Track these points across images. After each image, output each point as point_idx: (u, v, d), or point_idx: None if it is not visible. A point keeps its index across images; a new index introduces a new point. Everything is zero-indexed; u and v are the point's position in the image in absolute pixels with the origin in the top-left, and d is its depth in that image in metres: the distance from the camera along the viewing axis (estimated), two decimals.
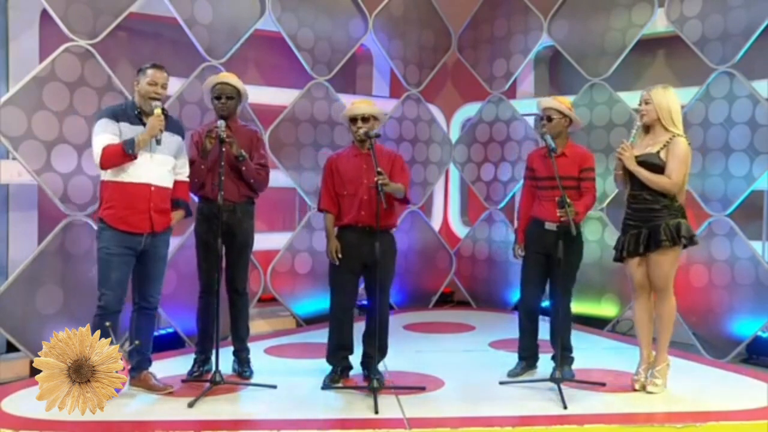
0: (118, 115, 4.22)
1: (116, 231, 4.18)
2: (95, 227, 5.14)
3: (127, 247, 4.21)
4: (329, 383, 4.55)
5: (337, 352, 4.66)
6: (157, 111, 4.17)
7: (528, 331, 4.85)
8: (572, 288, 4.77)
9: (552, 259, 4.60)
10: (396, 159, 4.67)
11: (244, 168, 4.58)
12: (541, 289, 4.86)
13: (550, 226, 4.61)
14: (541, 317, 4.90)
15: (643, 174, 4.31)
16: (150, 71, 4.24)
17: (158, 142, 4.20)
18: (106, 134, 4.14)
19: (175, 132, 4.39)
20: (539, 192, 4.75)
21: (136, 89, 4.27)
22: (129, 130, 4.17)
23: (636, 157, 4.35)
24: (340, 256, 4.53)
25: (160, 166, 4.28)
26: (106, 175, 4.21)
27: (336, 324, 4.66)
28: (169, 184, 4.36)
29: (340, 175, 4.60)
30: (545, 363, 4.82)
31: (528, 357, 4.87)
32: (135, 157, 4.13)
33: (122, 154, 4.09)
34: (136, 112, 4.25)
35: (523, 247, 4.83)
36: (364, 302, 5.10)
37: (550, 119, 4.66)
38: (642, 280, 4.45)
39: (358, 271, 4.61)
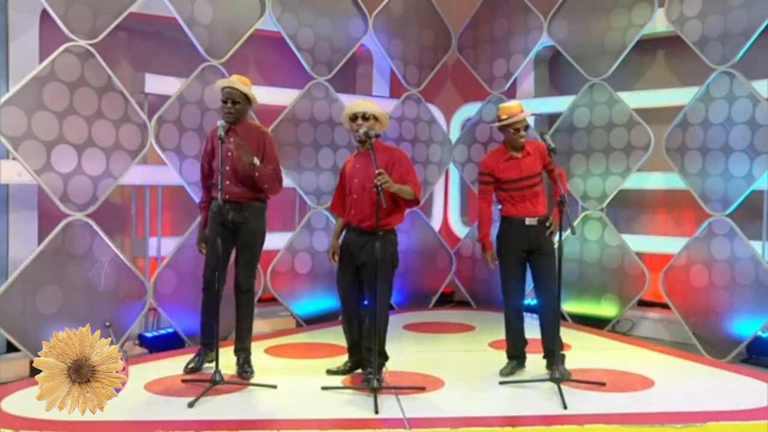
0: None
1: None
2: (95, 228, 5.19)
3: None
4: (333, 370, 4.77)
5: (350, 349, 4.84)
6: None
7: (517, 329, 4.85)
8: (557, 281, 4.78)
9: (534, 254, 4.72)
10: (394, 153, 4.64)
11: (257, 173, 4.57)
12: (524, 287, 4.90)
13: (530, 221, 4.70)
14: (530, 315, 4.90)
15: None
16: None
17: None
18: None
19: None
20: (511, 194, 4.75)
21: None
22: None
23: None
24: (336, 258, 4.69)
25: None
26: None
27: (344, 324, 4.83)
28: None
29: (346, 176, 4.73)
30: (537, 362, 4.81)
31: (518, 356, 4.87)
32: None
33: None
34: None
35: (494, 253, 4.84)
36: None
37: (526, 128, 4.77)
38: None
39: (356, 271, 4.68)
